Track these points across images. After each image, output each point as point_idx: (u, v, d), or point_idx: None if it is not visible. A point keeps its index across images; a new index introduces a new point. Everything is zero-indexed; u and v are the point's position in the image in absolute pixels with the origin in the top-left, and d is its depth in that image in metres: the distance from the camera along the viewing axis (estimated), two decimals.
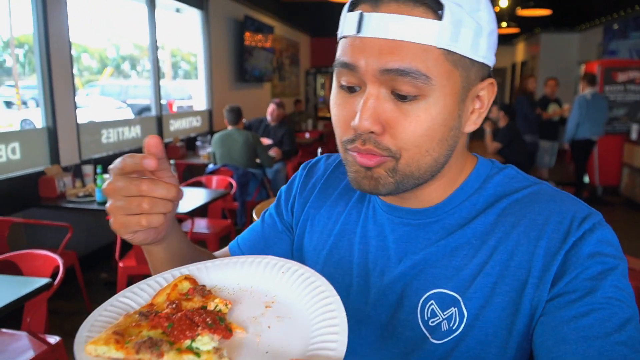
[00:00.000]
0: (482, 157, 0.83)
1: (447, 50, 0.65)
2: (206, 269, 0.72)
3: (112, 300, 0.64)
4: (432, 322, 0.74)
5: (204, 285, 0.66)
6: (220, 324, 0.58)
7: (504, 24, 9.69)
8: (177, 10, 6.76)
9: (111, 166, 0.68)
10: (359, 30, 0.66)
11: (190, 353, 0.54)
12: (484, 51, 0.69)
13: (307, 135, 9.08)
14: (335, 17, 0.76)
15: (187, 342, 0.55)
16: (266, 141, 6.21)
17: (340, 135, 0.73)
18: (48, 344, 2.39)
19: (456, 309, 0.73)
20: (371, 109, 0.67)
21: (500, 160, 6.03)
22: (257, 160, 5.55)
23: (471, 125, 0.74)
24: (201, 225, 4.49)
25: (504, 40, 14.70)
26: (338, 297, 0.61)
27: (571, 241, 0.68)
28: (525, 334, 0.70)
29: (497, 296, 0.71)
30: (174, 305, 0.61)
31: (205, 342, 0.55)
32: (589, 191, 7.48)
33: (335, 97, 0.73)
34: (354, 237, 0.86)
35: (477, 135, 6.39)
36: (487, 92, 0.74)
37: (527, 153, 6.50)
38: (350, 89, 0.70)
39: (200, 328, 0.57)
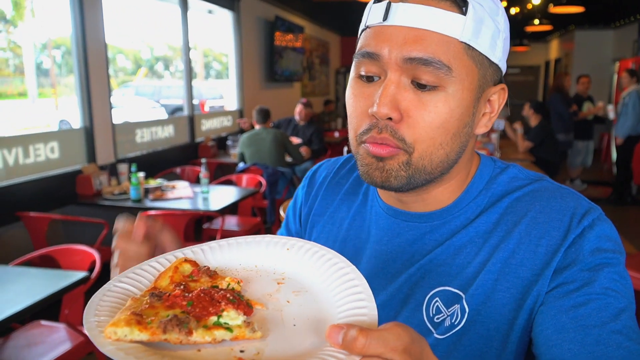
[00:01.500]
0: (484, 154, 0.84)
1: (468, 45, 0.67)
2: (203, 252, 0.69)
3: (109, 285, 0.60)
4: (437, 318, 0.75)
5: (207, 266, 0.63)
6: (242, 300, 0.55)
7: (536, 22, 9.51)
8: (209, 12, 6.87)
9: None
10: (385, 18, 0.68)
11: (220, 328, 0.51)
12: (500, 54, 0.72)
13: (337, 134, 9.10)
14: None
15: (213, 318, 0.52)
16: (296, 140, 6.26)
17: (356, 126, 0.73)
18: (85, 335, 2.48)
19: (458, 305, 0.74)
20: (391, 95, 0.67)
21: (531, 159, 5.94)
22: (287, 159, 5.60)
23: (481, 128, 0.76)
24: (231, 222, 4.57)
25: (537, 38, 14.42)
26: (354, 267, 0.59)
27: (571, 238, 0.70)
28: (526, 327, 0.71)
29: (498, 292, 0.72)
30: (181, 287, 0.57)
31: (233, 316, 0.52)
32: (615, 188, 7.27)
33: (352, 88, 0.74)
34: (359, 242, 0.86)
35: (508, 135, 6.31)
36: (498, 96, 0.76)
37: (558, 152, 6.38)
38: (369, 79, 0.71)
39: (223, 304, 0.53)
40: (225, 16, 7.07)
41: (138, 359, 0.46)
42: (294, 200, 1.01)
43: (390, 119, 0.68)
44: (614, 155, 7.36)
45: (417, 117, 0.68)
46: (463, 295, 0.74)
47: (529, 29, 10.05)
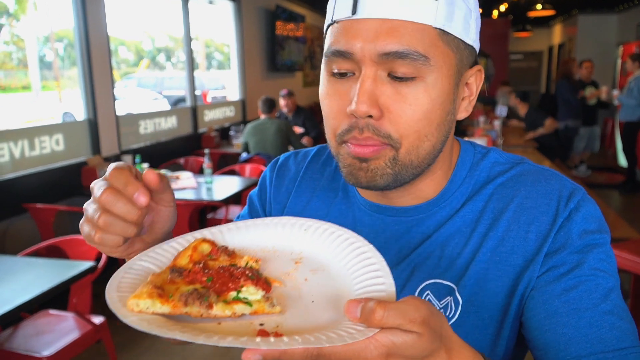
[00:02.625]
0: (462, 139, 0.83)
1: (443, 30, 0.64)
2: (221, 234, 0.68)
3: (131, 262, 0.60)
4: None
5: (225, 246, 0.64)
6: (260, 277, 0.56)
7: (539, 6, 9.44)
8: (210, 2, 6.87)
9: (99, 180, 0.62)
10: (354, 11, 0.64)
11: (240, 303, 0.52)
12: (474, 34, 0.69)
13: None
14: None
15: (233, 293, 0.53)
16: (298, 130, 6.27)
17: (334, 127, 0.69)
18: (93, 324, 2.53)
19: (451, 297, 0.73)
20: (368, 91, 0.64)
21: (534, 146, 5.95)
22: (290, 149, 5.63)
23: (462, 112, 0.74)
24: (235, 212, 4.60)
25: (540, 23, 14.31)
26: (371, 245, 0.59)
27: (560, 222, 0.70)
28: (518, 312, 0.71)
29: (490, 281, 0.72)
30: (200, 265, 0.58)
31: (252, 292, 0.53)
32: (627, 175, 7.28)
33: (325, 87, 0.70)
34: None
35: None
36: (475, 78, 0.74)
37: (559, 138, 6.38)
38: (342, 75, 0.67)
39: (242, 279, 0.54)
40: (226, 6, 7.06)
41: (160, 328, 0.47)
42: (260, 191, 0.95)
43: (370, 116, 0.65)
44: (618, 141, 7.34)
45: (398, 112, 0.65)
46: (455, 287, 0.73)
47: (532, 14, 9.98)
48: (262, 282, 0.55)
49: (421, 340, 0.46)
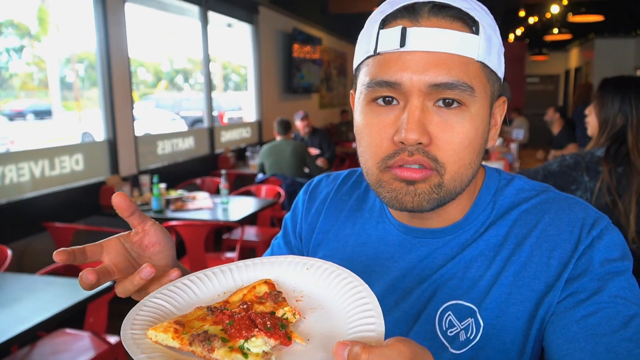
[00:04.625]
0: (488, 166, 0.85)
1: (483, 63, 0.69)
2: (230, 271, 0.73)
3: (145, 300, 0.66)
4: (451, 332, 0.76)
5: (280, 292, 0.66)
6: (280, 330, 0.58)
7: (555, 30, 9.46)
8: (229, 25, 6.98)
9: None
10: (402, 44, 0.66)
11: (239, 352, 0.54)
12: (502, 68, 0.73)
13: (354, 145, 9.12)
14: None
15: (241, 341, 0.56)
16: (314, 151, 6.29)
17: (377, 154, 0.71)
18: (109, 343, 2.53)
19: (472, 319, 0.74)
20: (417, 120, 0.66)
21: None
22: (305, 170, 5.64)
23: (491, 141, 0.77)
24: (250, 233, 4.60)
25: (557, 47, 14.31)
26: (366, 285, 0.62)
27: (581, 249, 0.71)
28: (538, 336, 0.72)
29: (512, 306, 0.73)
30: (245, 306, 0.62)
31: (258, 344, 0.55)
32: None
33: (366, 117, 0.72)
34: (366, 259, 0.85)
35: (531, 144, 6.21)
36: (500, 109, 0.77)
37: None
38: (386, 102, 0.70)
39: (257, 330, 0.57)
40: (244, 29, 7.18)
41: None
42: (293, 215, 0.99)
43: (420, 144, 0.67)
44: None
45: (446, 139, 0.68)
46: (477, 309, 0.74)
47: (548, 38, 10.00)
48: (282, 335, 0.57)
49: None
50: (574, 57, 14.45)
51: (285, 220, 1.00)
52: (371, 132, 0.72)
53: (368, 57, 0.72)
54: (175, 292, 0.67)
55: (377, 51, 0.69)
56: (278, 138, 5.58)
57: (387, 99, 0.70)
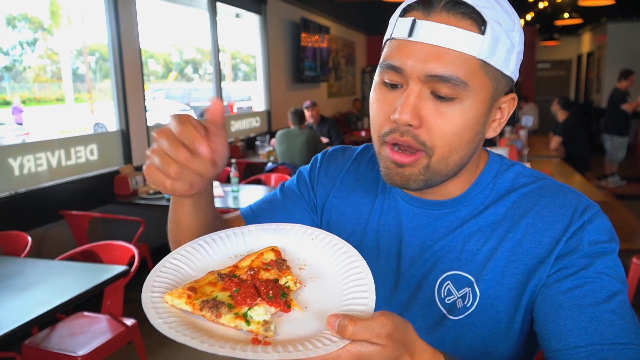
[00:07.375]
0: (492, 152, 0.92)
1: (485, 62, 0.73)
2: (242, 234, 0.77)
3: (163, 262, 0.70)
4: (449, 300, 0.83)
5: (284, 260, 0.70)
6: (281, 299, 0.62)
7: (565, 15, 9.35)
8: (237, 16, 7.01)
9: (163, 128, 0.67)
10: (410, 34, 0.73)
11: (242, 320, 0.59)
12: (513, 67, 0.78)
13: (363, 133, 9.16)
14: (390, 15, 0.83)
15: (245, 309, 0.60)
16: (324, 140, 6.35)
17: (379, 128, 0.79)
18: (125, 325, 2.63)
19: (470, 289, 0.82)
20: (412, 104, 0.73)
21: (562, 153, 5.90)
22: None
23: (491, 132, 0.83)
24: None
25: (568, 32, 14.12)
26: (364, 262, 0.67)
27: (572, 230, 0.78)
28: (528, 307, 0.79)
29: (506, 277, 0.80)
30: (252, 272, 0.67)
31: (259, 313, 0.60)
32: None
33: (376, 94, 0.80)
34: (378, 227, 0.93)
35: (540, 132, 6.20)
36: (508, 105, 0.82)
37: (589, 149, 6.32)
38: (393, 86, 0.77)
39: (259, 299, 0.61)
40: (252, 19, 7.20)
41: (177, 332, 0.56)
42: (310, 169, 1.05)
43: (410, 125, 0.74)
44: None
45: (435, 125, 0.74)
46: (474, 280, 0.82)
47: (559, 22, 9.86)
48: (282, 303, 0.62)
49: (385, 351, 0.54)
50: (586, 42, 14.25)
51: (301, 170, 1.06)
52: (376, 108, 0.80)
53: (387, 40, 0.80)
54: (191, 253, 0.72)
55: (392, 36, 0.77)
56: (292, 127, 5.65)
57: (392, 84, 0.77)
